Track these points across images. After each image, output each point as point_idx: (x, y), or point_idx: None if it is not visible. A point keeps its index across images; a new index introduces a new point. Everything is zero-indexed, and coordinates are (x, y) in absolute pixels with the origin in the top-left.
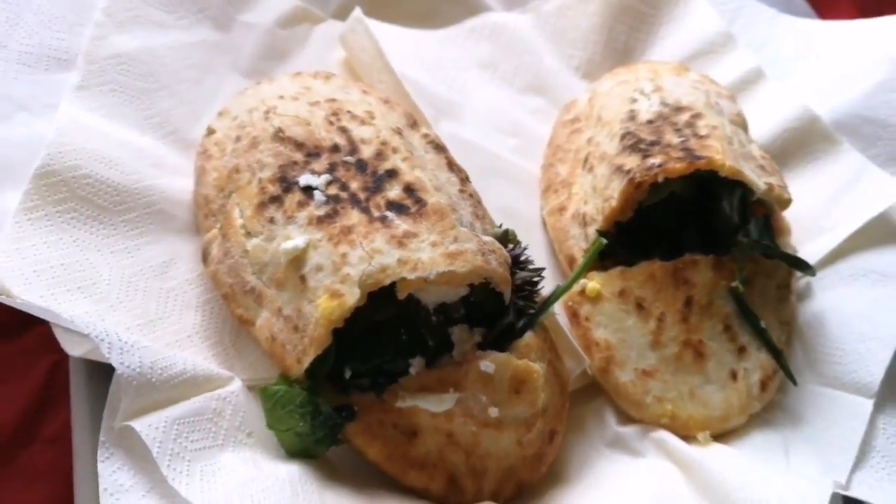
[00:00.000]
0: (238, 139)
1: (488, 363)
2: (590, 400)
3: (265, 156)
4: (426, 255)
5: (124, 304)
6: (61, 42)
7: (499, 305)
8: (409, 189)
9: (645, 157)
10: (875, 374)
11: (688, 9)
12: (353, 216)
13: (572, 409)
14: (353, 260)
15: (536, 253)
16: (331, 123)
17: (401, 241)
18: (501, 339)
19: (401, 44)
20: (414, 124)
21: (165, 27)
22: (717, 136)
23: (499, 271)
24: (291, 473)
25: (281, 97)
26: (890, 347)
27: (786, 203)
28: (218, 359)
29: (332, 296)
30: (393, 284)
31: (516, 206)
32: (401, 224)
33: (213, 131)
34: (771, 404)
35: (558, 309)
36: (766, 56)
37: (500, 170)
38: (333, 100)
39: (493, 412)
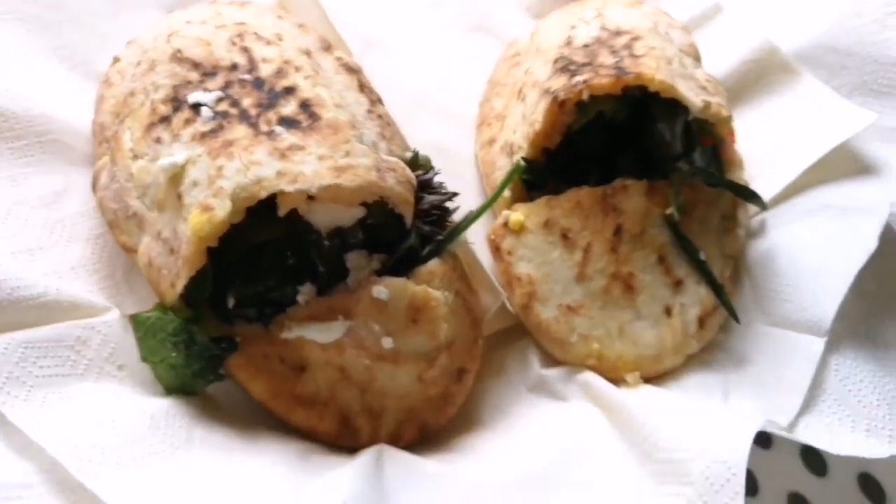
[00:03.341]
0: (139, 64)
1: (381, 288)
2: (514, 342)
3: (161, 77)
4: (310, 168)
5: None
6: None
7: (402, 230)
8: (304, 105)
9: (572, 76)
10: (827, 310)
11: None
12: (239, 131)
13: (494, 351)
14: (229, 172)
15: (468, 190)
16: (233, 44)
17: (283, 154)
18: (404, 267)
19: None
20: (328, 48)
21: None
22: (654, 55)
23: (396, 189)
24: (158, 407)
25: (188, 22)
26: (845, 281)
27: (725, 120)
28: (106, 293)
29: (202, 210)
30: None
31: (449, 143)
32: (288, 138)
33: (118, 60)
34: (712, 345)
35: (483, 244)
36: None
37: (434, 106)
38: (242, 23)
39: (387, 343)
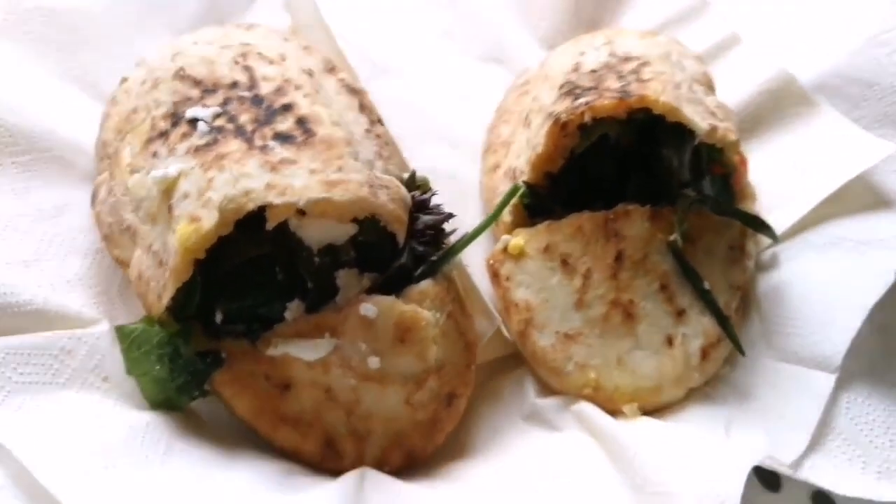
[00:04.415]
0: (143, 83)
1: (369, 306)
2: (511, 370)
3: (163, 94)
4: (300, 182)
5: None
6: None
7: (394, 249)
8: (301, 121)
9: (576, 100)
10: (839, 345)
11: None
12: (233, 145)
13: (490, 379)
14: (219, 184)
15: (472, 216)
16: (236, 63)
17: (274, 167)
18: (395, 286)
19: (346, 5)
20: (332, 69)
21: None
22: (662, 79)
23: (389, 206)
24: (139, 420)
25: (195, 43)
26: (858, 316)
27: (732, 145)
28: (101, 307)
29: (190, 221)
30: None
31: (455, 169)
32: (281, 152)
33: (126, 80)
34: (716, 379)
35: (483, 269)
36: (743, 22)
37: (441, 133)
38: (247, 44)
39: (374, 362)
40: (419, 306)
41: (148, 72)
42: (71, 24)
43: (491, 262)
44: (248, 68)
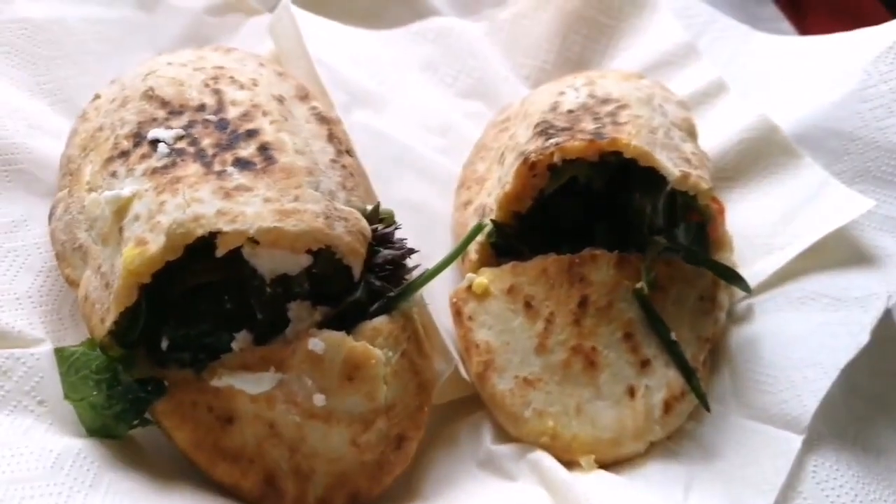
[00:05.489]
0: (113, 100)
1: (317, 341)
2: (469, 413)
3: (129, 113)
4: (252, 209)
5: None
6: None
7: (350, 283)
8: (263, 148)
9: (548, 139)
10: (808, 405)
11: (650, 21)
12: (190, 168)
13: (446, 421)
14: (169, 208)
15: (440, 252)
16: (206, 86)
17: (228, 193)
18: (348, 322)
19: (329, 35)
20: (305, 97)
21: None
22: (637, 124)
23: (345, 239)
24: (70, 448)
25: (169, 63)
26: (829, 376)
27: (704, 193)
28: (49, 327)
29: (136, 244)
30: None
31: (427, 202)
32: (238, 178)
33: (98, 96)
34: (680, 434)
35: (447, 307)
36: (733, 71)
37: (416, 165)
38: (221, 67)
39: (319, 400)
40: (371, 343)
41: (119, 89)
42: (48, 38)
43: (454, 300)
44: (217, 91)
